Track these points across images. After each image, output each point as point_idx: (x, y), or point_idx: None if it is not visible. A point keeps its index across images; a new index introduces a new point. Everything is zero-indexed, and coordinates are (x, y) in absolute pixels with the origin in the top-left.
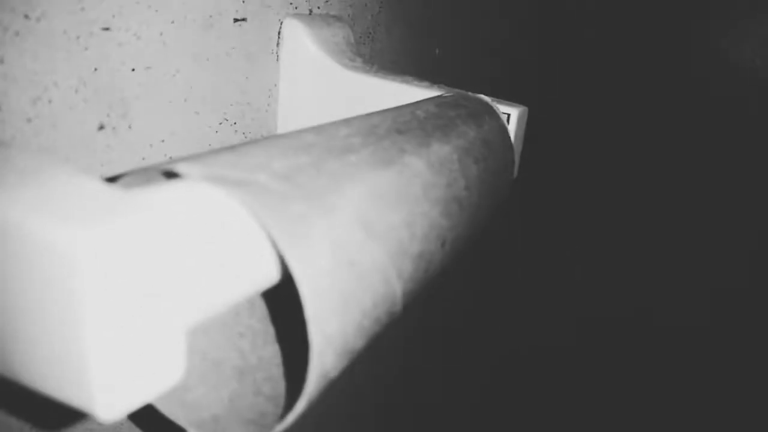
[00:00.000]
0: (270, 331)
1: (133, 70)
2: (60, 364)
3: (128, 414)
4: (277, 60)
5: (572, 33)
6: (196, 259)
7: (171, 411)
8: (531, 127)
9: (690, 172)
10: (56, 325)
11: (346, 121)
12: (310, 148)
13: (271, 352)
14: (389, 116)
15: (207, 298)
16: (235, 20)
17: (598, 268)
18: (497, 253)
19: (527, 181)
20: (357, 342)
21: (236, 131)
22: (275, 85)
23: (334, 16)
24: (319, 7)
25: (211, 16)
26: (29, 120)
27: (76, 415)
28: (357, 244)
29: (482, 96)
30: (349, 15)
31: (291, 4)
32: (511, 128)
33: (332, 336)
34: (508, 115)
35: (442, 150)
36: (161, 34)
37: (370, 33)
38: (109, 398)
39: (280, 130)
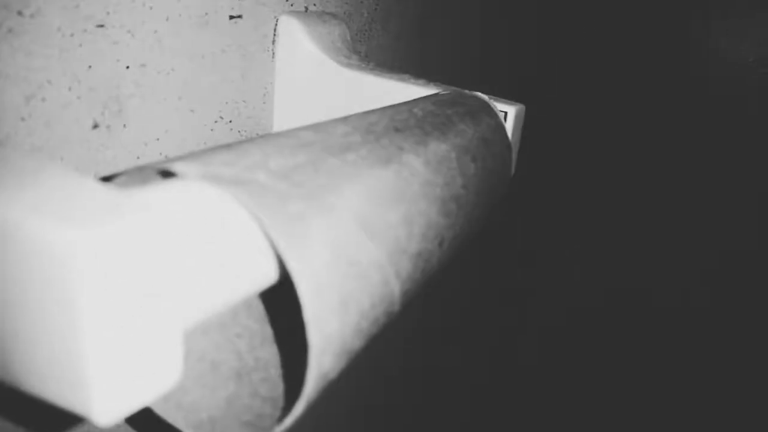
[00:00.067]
0: (267, 331)
1: (128, 67)
2: (56, 367)
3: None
4: (273, 57)
5: (571, 31)
6: (194, 259)
7: (168, 413)
8: (528, 125)
9: (688, 169)
10: (53, 327)
11: (344, 119)
12: (308, 147)
13: (268, 353)
14: (387, 114)
15: (205, 299)
16: (231, 17)
17: (597, 264)
18: (495, 250)
19: (525, 178)
20: (355, 342)
21: (232, 129)
22: (271, 83)
23: (330, 13)
24: (315, 4)
25: (206, 14)
26: (23, 119)
27: (73, 419)
28: (355, 244)
29: (479, 94)
30: (345, 12)
31: (287, 1)
32: (509, 126)
33: (331, 337)
34: (506, 113)
35: (439, 148)
36: (156, 31)
37: (366, 30)
38: (107, 402)
39: (276, 128)
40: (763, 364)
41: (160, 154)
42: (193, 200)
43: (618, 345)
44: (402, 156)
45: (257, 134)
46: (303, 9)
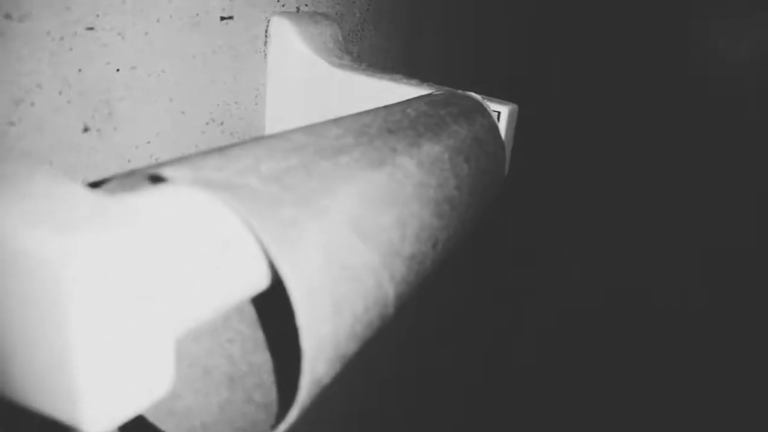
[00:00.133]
0: (260, 336)
1: (118, 70)
2: (47, 377)
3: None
4: (265, 58)
5: (569, 30)
6: (185, 266)
7: (160, 420)
8: (524, 124)
9: (686, 168)
10: (43, 336)
11: (337, 121)
12: (300, 150)
13: (261, 358)
14: (380, 115)
15: (197, 306)
16: (222, 18)
17: (594, 263)
18: (489, 250)
19: (520, 178)
20: (349, 347)
21: (223, 131)
22: (263, 84)
23: (321, 14)
24: (306, 5)
25: (197, 15)
26: (12, 123)
27: (63, 430)
28: (348, 248)
29: (472, 94)
30: (336, 12)
31: (278, 1)
32: (502, 126)
33: (324, 342)
34: (499, 113)
35: (433, 150)
36: (146, 33)
37: (358, 30)
38: (98, 411)
39: (268, 130)
40: (762, 363)
41: (151, 156)
42: (183, 206)
43: (616, 345)
44: (395, 158)
45: (249, 136)
46: (294, 9)
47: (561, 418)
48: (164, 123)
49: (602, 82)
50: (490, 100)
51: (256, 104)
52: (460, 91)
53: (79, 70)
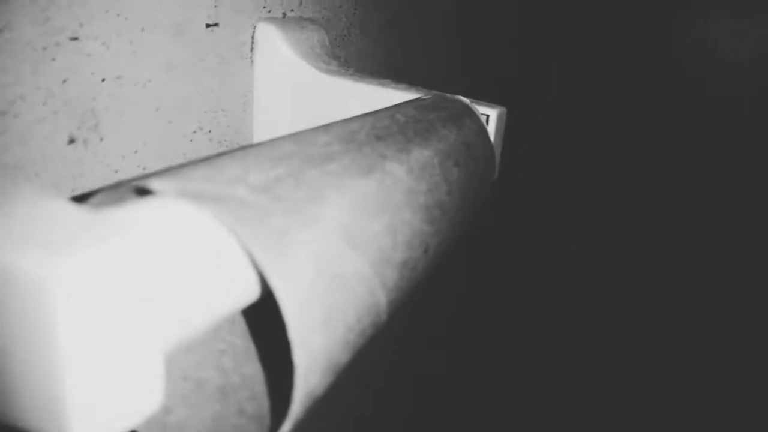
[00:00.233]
0: (252, 347)
1: (103, 80)
2: (34, 396)
3: None
4: (251, 65)
5: (564, 30)
6: (174, 280)
7: None
8: (514, 127)
9: (684, 168)
10: (28, 355)
11: (325, 128)
12: (288, 158)
13: (253, 369)
14: (368, 121)
15: (186, 321)
16: (207, 26)
17: (585, 264)
18: (479, 253)
19: (509, 181)
20: (342, 357)
21: (211, 139)
22: (250, 91)
23: (308, 19)
24: (292, 10)
25: (182, 23)
26: None
27: None
28: (339, 256)
29: (461, 97)
30: (323, 17)
31: (264, 7)
32: (491, 129)
33: (317, 353)
34: (488, 116)
35: (422, 155)
36: (131, 42)
37: (345, 35)
38: (87, 430)
39: (257, 137)
40: (761, 363)
41: (139, 166)
42: (171, 219)
43: (610, 345)
44: (384, 164)
45: (238, 143)
46: (281, 15)
47: (555, 420)
48: (151, 132)
49: (599, 82)
50: (479, 104)
51: (243, 111)
52: (448, 95)
53: (64, 81)
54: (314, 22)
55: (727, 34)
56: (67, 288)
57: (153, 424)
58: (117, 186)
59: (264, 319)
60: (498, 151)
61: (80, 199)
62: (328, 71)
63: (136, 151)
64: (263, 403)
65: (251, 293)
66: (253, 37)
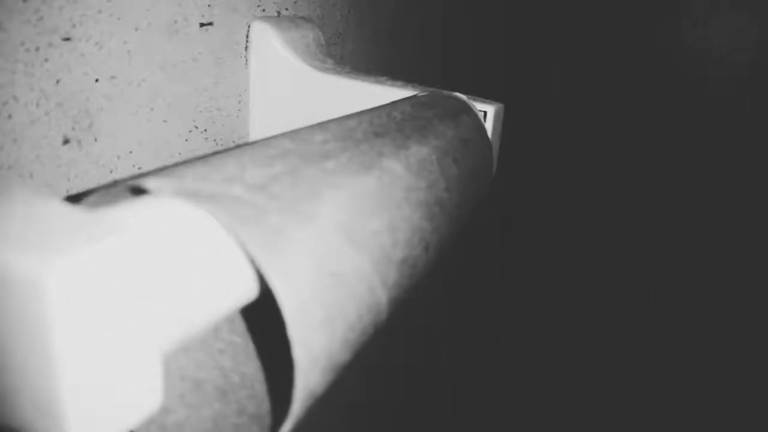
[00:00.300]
0: (251, 345)
1: (97, 80)
2: (30, 397)
3: None
4: (246, 64)
5: (561, 28)
6: (171, 281)
7: None
8: (509, 124)
9: (684, 168)
10: (25, 355)
11: (321, 126)
12: (285, 156)
13: (253, 368)
14: (365, 119)
15: (184, 321)
16: (201, 25)
17: (584, 262)
18: (476, 251)
19: (507, 178)
20: (343, 356)
21: (207, 138)
22: (246, 90)
23: (302, 18)
24: (287, 9)
25: (176, 22)
26: None
27: None
28: (339, 254)
29: (458, 94)
30: (318, 15)
31: (258, 6)
32: (488, 126)
33: (317, 353)
34: (485, 112)
35: (420, 152)
36: (125, 42)
37: (340, 33)
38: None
39: (252, 136)
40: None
41: (134, 166)
42: (167, 218)
43: (611, 343)
44: (383, 161)
45: (233, 142)
46: (275, 14)
47: (555, 415)
48: (146, 132)
49: (597, 81)
50: (476, 100)
51: (239, 110)
52: (445, 92)
53: (57, 81)
54: (309, 20)
55: (727, 34)
56: (62, 288)
57: (152, 424)
58: (112, 186)
59: (263, 318)
60: (496, 148)
61: (75, 199)
62: (323, 69)
63: (131, 151)
64: (263, 403)
65: (250, 292)
66: (247, 36)
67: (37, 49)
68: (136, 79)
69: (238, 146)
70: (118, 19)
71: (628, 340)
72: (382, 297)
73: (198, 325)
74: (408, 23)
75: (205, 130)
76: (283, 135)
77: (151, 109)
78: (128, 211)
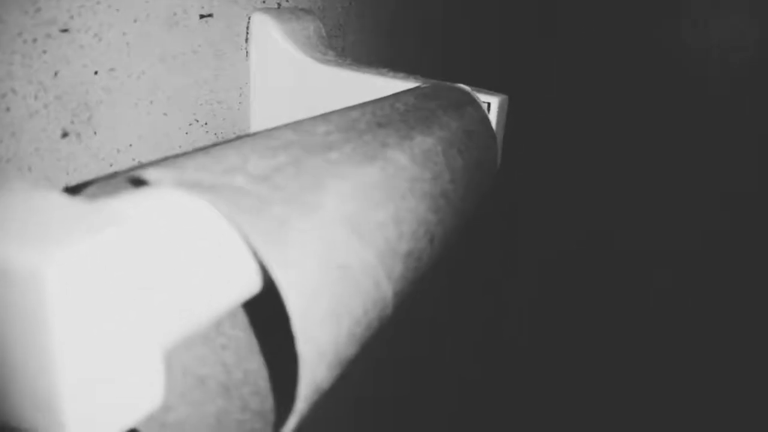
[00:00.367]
0: (254, 341)
1: (96, 72)
2: (28, 395)
3: None
4: (247, 56)
5: (563, 23)
6: (172, 273)
7: None
8: (515, 116)
9: (683, 167)
10: (22, 352)
11: (324, 117)
12: (288, 147)
13: (256, 364)
14: (368, 110)
15: (186, 315)
16: (201, 16)
17: (589, 254)
18: (481, 243)
19: (510, 170)
20: (349, 350)
21: (207, 132)
22: (246, 83)
23: (303, 9)
24: (287, 0)
25: (175, 14)
26: None
27: None
28: (344, 246)
29: (462, 85)
30: (319, 7)
31: None
32: (492, 117)
33: (323, 348)
34: (489, 104)
35: (425, 143)
36: (124, 34)
37: (341, 25)
38: (83, 430)
39: (254, 129)
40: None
41: (134, 160)
42: (168, 209)
43: (614, 338)
44: (387, 152)
45: (234, 135)
46: (276, 6)
47: (558, 410)
48: (146, 125)
49: (598, 80)
50: (480, 92)
51: (240, 103)
52: (449, 83)
53: (55, 74)
54: (310, 12)
55: (727, 34)
56: (61, 280)
57: (153, 422)
58: (112, 177)
59: (267, 312)
60: (499, 140)
61: (74, 190)
62: (325, 61)
63: (130, 145)
64: (267, 399)
65: (253, 285)
66: (248, 28)
67: (35, 40)
68: (136, 71)
69: (239, 138)
70: (117, 10)
71: (628, 340)
72: (388, 291)
73: (200, 319)
74: (410, 15)
75: (206, 124)
76: (286, 126)
77: (151, 102)
78: (128, 203)
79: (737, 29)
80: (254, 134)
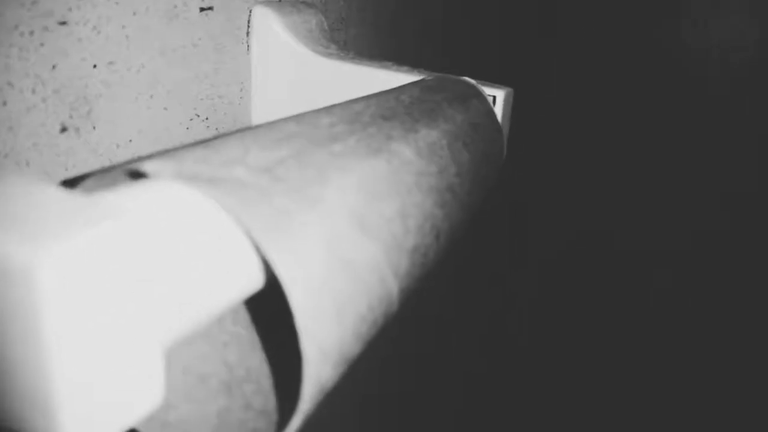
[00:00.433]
0: (257, 338)
1: (95, 66)
2: (24, 394)
3: None
4: (248, 50)
5: (559, 30)
6: (172, 269)
7: None
8: (517, 110)
9: (684, 168)
10: (18, 349)
11: (327, 109)
12: (291, 139)
13: (259, 362)
14: (372, 102)
15: (186, 311)
16: (201, 9)
17: (595, 247)
18: (485, 237)
19: (514, 164)
20: (354, 348)
21: (208, 127)
22: (247, 77)
23: (304, 2)
24: None
25: (175, 6)
26: None
27: None
28: (349, 241)
29: (467, 78)
30: (320, 0)
31: None
32: (498, 110)
33: (327, 346)
34: (494, 97)
35: (430, 135)
36: (123, 26)
37: (343, 18)
38: (80, 430)
39: (255, 124)
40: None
41: (133, 155)
42: (167, 202)
43: (619, 333)
44: (391, 145)
45: (236, 130)
46: None
47: (561, 405)
48: (146, 120)
49: (598, 81)
50: (485, 85)
51: (241, 98)
52: (453, 76)
53: (53, 67)
54: (311, 5)
55: (727, 34)
56: (54, 275)
57: (153, 422)
58: (109, 169)
59: (268, 307)
60: (505, 133)
61: (70, 184)
62: (327, 55)
63: (130, 140)
64: (270, 398)
65: (255, 281)
66: (249, 21)
67: (32, 33)
68: (135, 65)
69: (240, 130)
70: (116, 3)
71: (628, 340)
72: (393, 288)
73: (201, 315)
74: (412, 9)
75: (207, 119)
76: (288, 119)
77: (151, 96)
78: (126, 196)
79: (737, 29)
80: (255, 127)
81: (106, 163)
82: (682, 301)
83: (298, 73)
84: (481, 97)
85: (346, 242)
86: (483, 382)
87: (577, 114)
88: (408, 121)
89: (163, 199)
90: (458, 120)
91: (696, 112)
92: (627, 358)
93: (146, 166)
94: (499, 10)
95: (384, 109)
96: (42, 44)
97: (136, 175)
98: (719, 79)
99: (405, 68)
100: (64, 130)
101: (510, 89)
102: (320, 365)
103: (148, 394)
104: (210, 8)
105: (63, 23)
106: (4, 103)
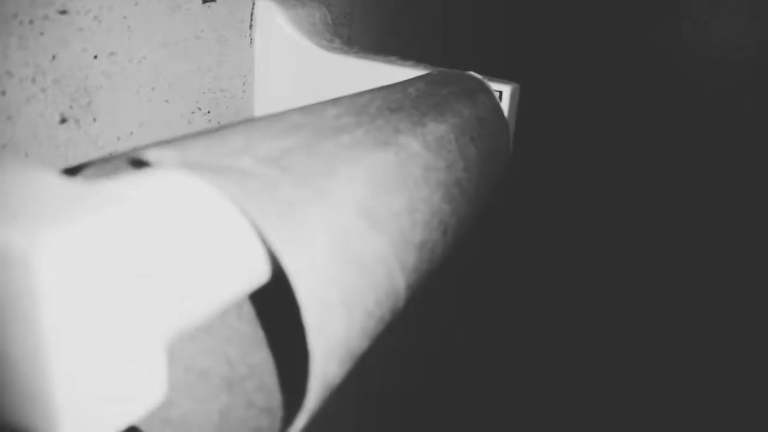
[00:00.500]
0: (260, 333)
1: (96, 57)
2: (21, 391)
3: None
4: (251, 43)
5: (559, 30)
6: (175, 260)
7: (153, 430)
8: (523, 105)
9: (684, 168)
10: (16, 343)
11: (334, 101)
12: (297, 130)
13: (262, 358)
14: (379, 95)
15: (189, 306)
16: (204, 1)
17: (601, 244)
18: (491, 233)
19: (520, 160)
20: (361, 344)
21: (210, 120)
22: (250, 71)
23: None
24: None
25: None
26: None
27: None
28: (357, 234)
29: (473, 73)
30: None
31: None
32: (504, 106)
33: (334, 342)
34: (500, 92)
35: (438, 129)
36: (125, 17)
37: (347, 13)
38: (80, 428)
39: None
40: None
41: (134, 148)
42: (170, 191)
43: (622, 333)
44: (399, 138)
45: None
46: None
47: (561, 407)
48: (147, 112)
49: (598, 82)
50: (491, 80)
51: (243, 91)
52: (459, 71)
53: (53, 57)
54: None
55: (727, 34)
56: (52, 264)
57: (154, 419)
58: (111, 157)
59: (272, 302)
60: (511, 128)
61: (72, 172)
62: (331, 49)
63: (131, 133)
64: (273, 395)
65: (261, 274)
66: (252, 14)
67: (32, 21)
68: (137, 56)
69: (244, 121)
70: None
71: (628, 339)
72: (401, 283)
73: (206, 308)
74: (416, 5)
75: (209, 112)
76: (294, 110)
77: (153, 89)
78: (128, 184)
79: (737, 29)
80: (261, 117)
81: (106, 155)
82: (682, 301)
83: (302, 67)
84: (487, 92)
85: (354, 235)
86: (484, 379)
87: (576, 114)
88: (415, 114)
89: (166, 188)
90: (465, 114)
91: (696, 112)
92: (627, 358)
93: (149, 155)
94: (499, 10)
95: (391, 102)
96: (42, 33)
97: (139, 163)
98: (719, 79)
99: (410, 63)
100: (63, 121)
101: (516, 85)
102: (327, 361)
103: (149, 390)
104: (213, 0)
105: (63, 12)
106: (3, 93)
